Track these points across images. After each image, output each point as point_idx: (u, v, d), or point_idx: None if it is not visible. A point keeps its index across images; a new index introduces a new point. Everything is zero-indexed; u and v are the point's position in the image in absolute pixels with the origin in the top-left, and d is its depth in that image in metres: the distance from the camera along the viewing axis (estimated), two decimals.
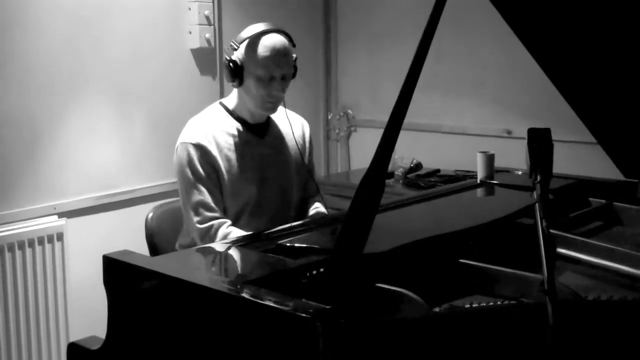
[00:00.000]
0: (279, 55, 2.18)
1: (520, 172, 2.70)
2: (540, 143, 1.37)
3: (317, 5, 4.09)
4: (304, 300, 1.38)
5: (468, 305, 1.50)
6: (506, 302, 1.57)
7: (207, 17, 3.46)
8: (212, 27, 3.50)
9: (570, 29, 2.11)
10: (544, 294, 1.16)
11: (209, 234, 2.17)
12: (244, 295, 1.45)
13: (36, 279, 2.87)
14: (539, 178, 1.33)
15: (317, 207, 2.42)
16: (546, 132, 1.39)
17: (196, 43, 3.43)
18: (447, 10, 1.52)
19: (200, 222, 2.18)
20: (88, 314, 2.87)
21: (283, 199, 2.34)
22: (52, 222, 2.92)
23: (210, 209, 2.19)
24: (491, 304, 1.50)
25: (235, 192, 2.24)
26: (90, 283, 2.87)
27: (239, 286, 1.49)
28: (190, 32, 3.43)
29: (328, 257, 1.61)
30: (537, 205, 1.28)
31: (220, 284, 1.54)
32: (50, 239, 2.90)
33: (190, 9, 3.42)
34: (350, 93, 4.15)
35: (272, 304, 1.37)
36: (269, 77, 2.18)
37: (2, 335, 2.78)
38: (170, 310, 1.59)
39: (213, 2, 3.50)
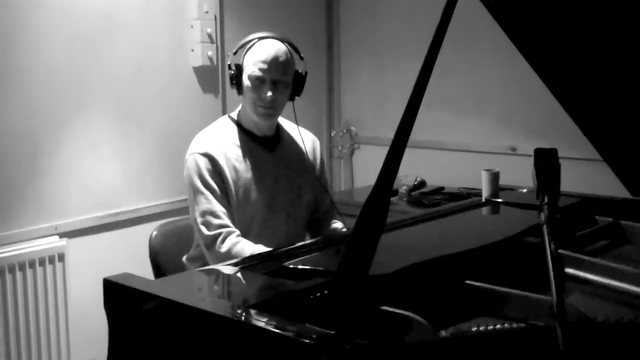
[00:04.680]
0: (271, 58, 2.19)
1: (525, 190, 2.67)
2: (547, 163, 1.34)
3: (319, 21, 4.10)
4: (307, 324, 1.36)
5: (475, 329, 1.47)
6: (513, 324, 1.54)
7: (210, 35, 3.46)
8: (215, 44, 3.49)
9: (574, 45, 2.10)
10: (553, 319, 1.14)
11: (217, 242, 2.15)
12: (246, 319, 1.42)
13: (37, 301, 2.84)
14: (546, 199, 1.30)
15: (334, 223, 2.41)
16: (553, 152, 1.37)
17: (198, 61, 3.43)
18: (451, 26, 1.51)
19: (208, 229, 2.16)
20: (89, 336, 2.84)
21: (292, 214, 2.33)
22: (53, 243, 2.91)
23: (217, 217, 2.17)
24: (498, 326, 1.47)
25: (242, 204, 2.23)
26: (91, 305, 2.83)
27: (241, 310, 1.47)
28: (192, 50, 3.43)
29: (332, 279, 1.59)
30: (544, 227, 1.26)
31: (222, 308, 1.51)
32: (52, 260, 2.88)
33: (192, 26, 3.42)
34: (353, 110, 4.14)
35: (274, 329, 1.35)
36: (258, 78, 2.19)
37: (2, 358, 2.75)
38: (172, 335, 1.57)
39: (215, 19, 3.50)
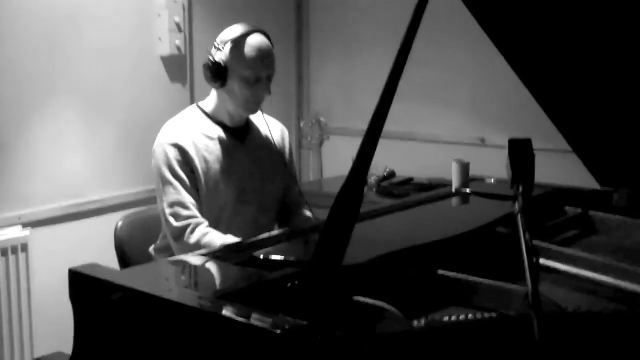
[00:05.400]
0: (265, 55, 2.18)
1: (493, 181, 2.69)
2: (521, 154, 1.34)
3: (288, 12, 4.06)
4: (279, 315, 1.34)
5: (447, 319, 1.47)
6: (486, 314, 1.54)
7: (178, 24, 3.41)
8: (183, 34, 3.44)
9: (546, 35, 2.10)
10: (529, 309, 1.13)
11: (185, 234, 2.12)
12: (216, 310, 1.40)
13: None
14: (520, 190, 1.30)
15: (303, 214, 2.40)
16: (527, 142, 1.36)
17: (166, 50, 3.38)
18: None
19: (176, 221, 2.13)
20: (54, 329, 2.78)
21: (263, 204, 2.31)
22: (16, 233, 2.85)
23: (186, 208, 2.14)
24: (471, 317, 1.47)
25: (212, 194, 2.20)
26: (56, 297, 2.78)
27: (210, 301, 1.44)
28: (160, 39, 3.37)
29: (304, 269, 1.57)
30: (519, 217, 1.25)
31: (190, 299, 1.48)
32: (15, 250, 2.82)
33: (160, 15, 3.36)
34: (322, 100, 4.12)
35: (245, 320, 1.33)
36: (256, 78, 2.17)
37: None
38: (139, 326, 1.54)
39: (184, 8, 3.45)
